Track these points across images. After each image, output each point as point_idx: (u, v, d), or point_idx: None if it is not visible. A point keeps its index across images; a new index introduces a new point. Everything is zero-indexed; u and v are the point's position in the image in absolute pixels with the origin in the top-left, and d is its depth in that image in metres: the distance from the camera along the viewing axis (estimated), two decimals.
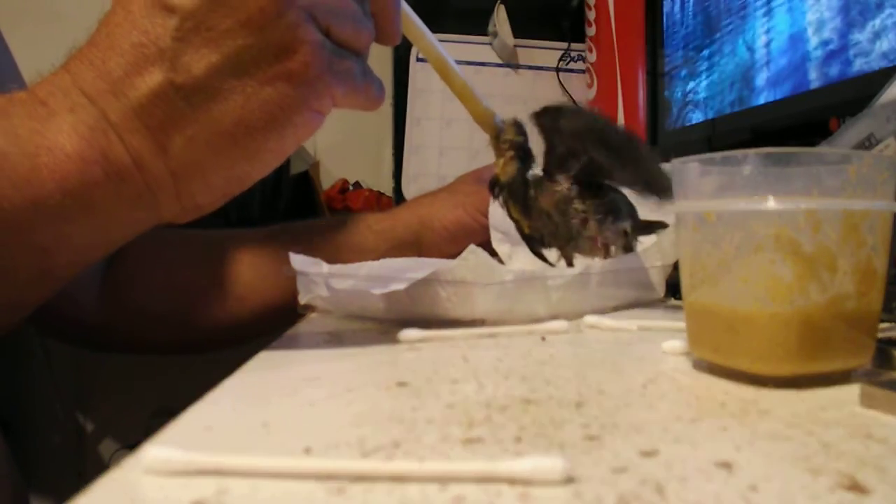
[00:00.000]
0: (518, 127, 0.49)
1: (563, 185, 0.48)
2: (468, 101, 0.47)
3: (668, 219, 0.52)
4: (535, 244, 0.51)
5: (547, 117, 0.48)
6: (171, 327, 0.59)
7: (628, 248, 0.51)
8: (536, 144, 0.50)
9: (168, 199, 0.35)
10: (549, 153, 0.49)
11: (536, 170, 0.50)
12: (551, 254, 0.52)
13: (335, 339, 0.41)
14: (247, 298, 0.59)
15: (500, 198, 0.50)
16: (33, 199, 0.33)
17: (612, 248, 0.50)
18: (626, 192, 0.50)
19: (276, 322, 0.55)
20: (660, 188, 0.46)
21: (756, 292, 0.28)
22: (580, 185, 0.48)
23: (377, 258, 0.46)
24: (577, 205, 0.48)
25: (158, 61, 0.32)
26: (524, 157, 0.49)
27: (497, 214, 0.71)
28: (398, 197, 1.34)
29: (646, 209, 0.51)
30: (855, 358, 0.29)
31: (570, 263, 0.51)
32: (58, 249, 0.36)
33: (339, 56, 0.35)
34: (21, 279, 0.37)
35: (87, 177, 0.33)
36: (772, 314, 0.28)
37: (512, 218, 0.50)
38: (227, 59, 0.33)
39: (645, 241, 0.53)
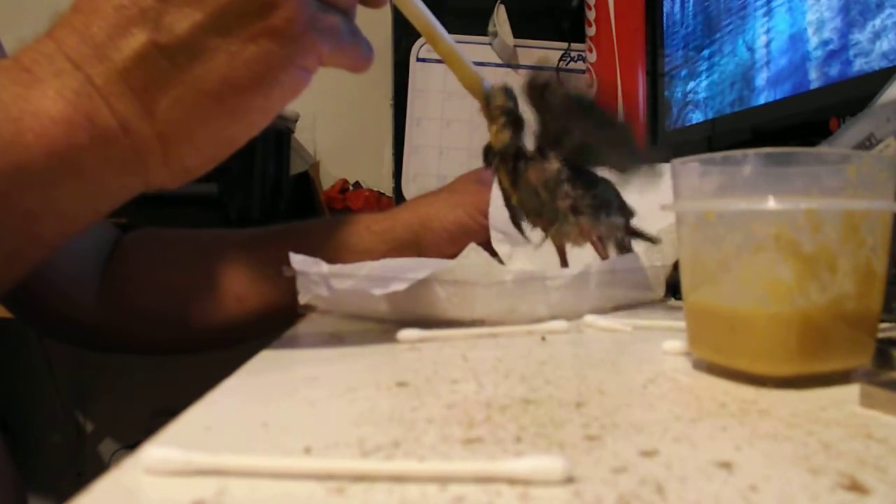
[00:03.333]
0: (508, 92, 0.48)
1: (554, 164, 0.48)
2: (455, 66, 0.47)
3: (668, 219, 0.52)
4: (518, 216, 0.51)
5: (535, 93, 0.48)
6: (169, 327, 0.59)
7: (624, 247, 0.51)
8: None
9: (156, 163, 0.35)
10: (541, 129, 0.49)
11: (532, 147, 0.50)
12: (534, 233, 0.51)
13: (335, 339, 0.41)
14: (245, 299, 0.58)
15: (493, 165, 0.49)
16: (18, 163, 0.33)
17: (606, 244, 0.50)
18: (622, 190, 0.50)
19: (275, 323, 0.55)
20: (643, 168, 0.46)
21: (756, 292, 0.28)
22: (572, 170, 0.48)
23: (376, 258, 0.46)
24: (567, 188, 0.48)
25: (141, 23, 0.32)
26: (516, 123, 0.48)
27: (497, 214, 0.71)
28: (398, 197, 1.34)
29: (647, 210, 0.51)
30: (855, 358, 0.29)
31: (563, 261, 0.51)
32: (45, 215, 0.36)
33: (323, 12, 0.35)
34: (7, 246, 0.36)
35: (73, 140, 0.33)
36: (772, 314, 0.28)
37: (501, 187, 0.50)
38: (209, 17, 0.33)
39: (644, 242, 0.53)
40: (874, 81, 0.53)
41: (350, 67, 0.38)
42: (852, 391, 0.26)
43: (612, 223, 0.49)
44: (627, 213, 0.51)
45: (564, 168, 0.48)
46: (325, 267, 0.40)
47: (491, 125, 0.48)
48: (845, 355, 0.29)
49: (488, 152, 0.49)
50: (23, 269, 0.40)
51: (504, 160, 0.48)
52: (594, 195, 0.48)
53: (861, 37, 0.62)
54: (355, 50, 0.38)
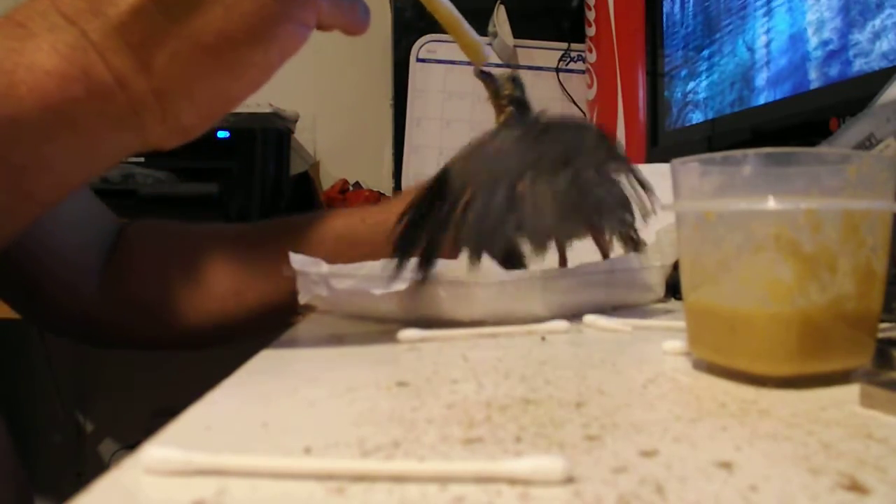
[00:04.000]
0: (515, 81, 0.49)
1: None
2: (456, 32, 0.47)
3: (668, 218, 0.52)
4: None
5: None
6: (169, 321, 0.59)
7: (632, 241, 0.51)
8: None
9: (153, 120, 0.35)
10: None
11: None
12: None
13: (335, 339, 0.41)
14: (243, 294, 0.58)
15: None
16: (11, 116, 0.32)
17: (610, 240, 0.50)
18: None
19: (274, 320, 0.55)
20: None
21: (756, 292, 0.28)
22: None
23: (371, 251, 0.46)
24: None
25: None
26: (523, 112, 0.48)
27: None
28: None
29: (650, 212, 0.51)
30: (855, 358, 0.29)
31: (562, 260, 0.51)
32: (37, 171, 0.35)
33: None
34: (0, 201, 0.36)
35: (67, 94, 0.33)
36: (772, 314, 0.28)
37: None
38: None
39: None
40: (874, 81, 0.53)
41: (346, 28, 0.38)
42: (852, 391, 0.26)
43: (619, 219, 0.49)
44: (630, 209, 0.50)
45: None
46: (325, 267, 0.40)
47: (499, 115, 0.48)
48: (845, 355, 0.29)
49: None
50: (12, 228, 0.39)
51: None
52: (601, 192, 0.48)
53: (861, 37, 0.62)
54: (353, 11, 0.38)
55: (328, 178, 1.40)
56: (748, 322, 0.29)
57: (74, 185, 0.39)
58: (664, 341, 0.35)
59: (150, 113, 0.35)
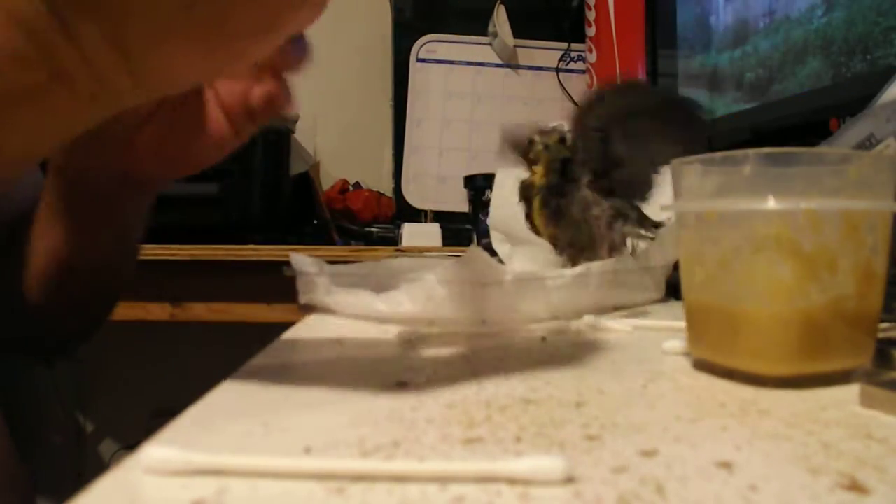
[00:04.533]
0: (562, 140, 0.50)
1: (591, 195, 0.49)
2: None
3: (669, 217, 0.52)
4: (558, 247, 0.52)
5: (581, 119, 0.50)
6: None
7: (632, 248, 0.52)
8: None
9: (123, 93, 0.29)
10: (575, 155, 0.50)
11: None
12: (559, 260, 0.53)
13: (335, 339, 0.41)
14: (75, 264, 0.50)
15: (529, 203, 0.51)
16: None
17: (617, 249, 0.51)
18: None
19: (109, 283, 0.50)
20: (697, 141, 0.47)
21: (756, 292, 0.28)
22: (597, 189, 0.49)
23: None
24: (596, 210, 0.49)
25: None
26: (564, 165, 0.50)
27: (497, 215, 0.71)
28: (398, 197, 1.34)
29: (647, 211, 0.52)
30: (855, 358, 0.29)
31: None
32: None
33: None
34: None
35: (27, 80, 0.27)
36: (771, 314, 0.28)
37: (532, 223, 0.51)
38: None
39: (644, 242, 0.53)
40: (874, 81, 0.53)
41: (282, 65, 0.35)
42: (852, 391, 0.26)
43: (630, 231, 0.51)
44: (643, 217, 0.52)
45: (605, 200, 0.49)
46: (325, 267, 0.40)
47: (536, 167, 0.50)
48: (845, 355, 0.29)
49: (528, 190, 0.50)
50: None
51: (546, 199, 0.50)
52: (614, 207, 0.50)
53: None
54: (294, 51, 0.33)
55: (328, 178, 1.40)
56: (748, 322, 0.29)
57: (32, 161, 0.33)
58: (664, 341, 0.35)
59: (121, 88, 0.29)
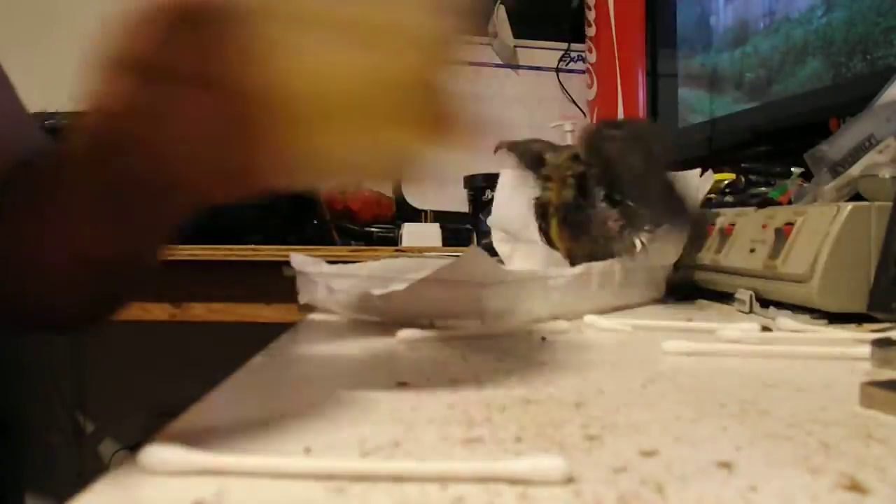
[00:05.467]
0: (576, 158, 0.51)
1: (608, 211, 0.50)
2: None
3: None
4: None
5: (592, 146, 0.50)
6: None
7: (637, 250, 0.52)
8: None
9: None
10: (598, 176, 0.51)
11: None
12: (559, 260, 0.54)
13: (335, 340, 0.41)
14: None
15: (545, 219, 0.51)
16: None
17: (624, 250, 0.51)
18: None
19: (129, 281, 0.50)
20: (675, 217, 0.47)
21: None
22: (610, 202, 0.50)
23: None
24: (611, 223, 0.50)
25: None
26: (581, 181, 0.50)
27: (498, 215, 0.71)
28: (398, 197, 1.34)
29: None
30: None
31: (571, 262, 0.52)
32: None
33: None
34: None
35: None
36: None
37: (548, 238, 0.52)
38: None
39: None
40: (874, 81, 0.53)
41: None
42: (852, 391, 0.26)
43: (638, 236, 0.51)
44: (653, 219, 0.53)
45: (620, 214, 0.50)
46: (325, 267, 0.40)
47: (554, 183, 0.50)
48: None
49: (545, 207, 0.51)
50: None
51: (564, 216, 0.50)
52: (624, 214, 0.51)
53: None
54: None
55: None
56: None
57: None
58: (664, 341, 0.35)
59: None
